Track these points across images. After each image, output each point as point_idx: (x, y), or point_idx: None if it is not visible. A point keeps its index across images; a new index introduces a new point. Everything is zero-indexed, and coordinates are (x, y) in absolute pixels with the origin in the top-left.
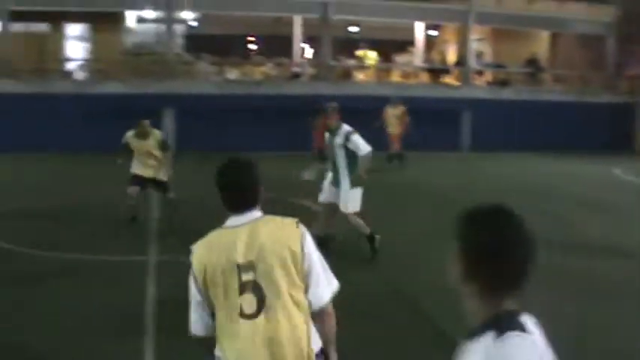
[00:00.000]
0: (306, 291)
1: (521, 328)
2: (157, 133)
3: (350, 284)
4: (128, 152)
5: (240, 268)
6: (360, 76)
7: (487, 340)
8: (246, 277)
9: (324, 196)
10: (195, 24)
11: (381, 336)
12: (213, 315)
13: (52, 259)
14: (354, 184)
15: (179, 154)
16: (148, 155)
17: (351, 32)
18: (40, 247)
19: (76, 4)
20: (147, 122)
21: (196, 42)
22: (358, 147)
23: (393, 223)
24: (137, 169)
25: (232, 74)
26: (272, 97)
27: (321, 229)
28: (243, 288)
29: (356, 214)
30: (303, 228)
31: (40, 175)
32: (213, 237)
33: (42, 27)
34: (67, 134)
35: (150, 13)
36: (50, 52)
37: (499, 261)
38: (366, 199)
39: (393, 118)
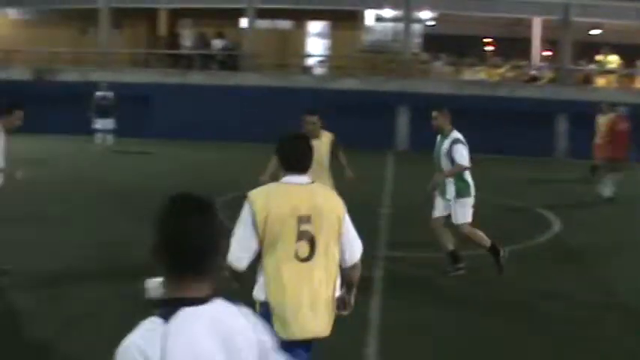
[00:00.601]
0: (341, 249)
1: (164, 317)
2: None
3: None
4: None
5: (301, 220)
6: (600, 81)
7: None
8: (304, 227)
9: (435, 212)
10: (432, 23)
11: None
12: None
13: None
14: (460, 193)
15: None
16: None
17: (592, 35)
18: None
19: (319, 2)
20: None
21: (433, 41)
22: (455, 158)
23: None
24: None
25: (469, 74)
26: (508, 100)
27: (448, 244)
28: (300, 236)
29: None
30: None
31: None
32: (273, 189)
33: (285, 24)
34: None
35: (388, 12)
36: (292, 48)
37: (172, 250)
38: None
39: (603, 126)
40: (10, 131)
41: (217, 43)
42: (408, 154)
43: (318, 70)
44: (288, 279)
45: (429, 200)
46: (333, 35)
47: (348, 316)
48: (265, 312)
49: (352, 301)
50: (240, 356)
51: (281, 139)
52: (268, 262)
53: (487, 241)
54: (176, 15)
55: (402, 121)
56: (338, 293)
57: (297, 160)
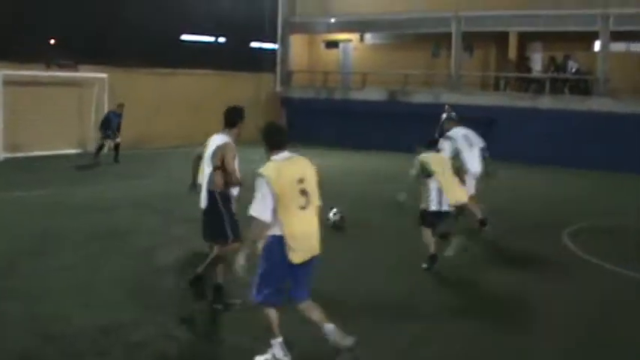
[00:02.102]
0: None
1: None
2: None
3: None
4: None
5: (299, 181)
6: None
7: None
8: (301, 186)
9: None
10: None
11: None
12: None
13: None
14: None
15: None
16: None
17: None
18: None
19: None
20: None
21: None
22: None
23: None
24: None
25: None
26: None
27: None
28: (301, 192)
29: None
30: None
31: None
32: (277, 164)
33: None
34: None
35: None
36: None
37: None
38: None
39: None
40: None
41: (569, 67)
42: None
43: None
44: (302, 221)
45: None
46: None
47: None
48: (278, 242)
49: None
50: None
51: (263, 128)
52: (284, 214)
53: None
54: (526, 38)
55: None
56: None
57: (278, 141)
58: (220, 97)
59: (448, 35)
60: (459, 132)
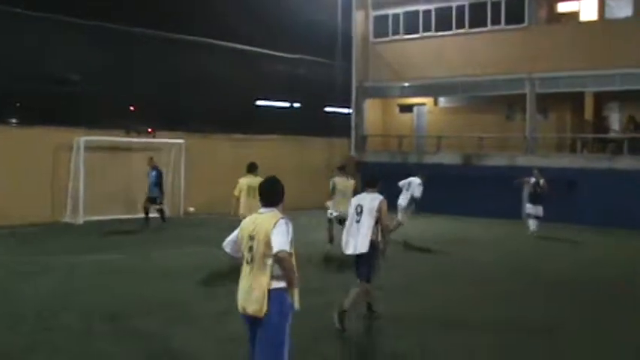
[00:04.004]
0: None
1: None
2: None
3: None
4: None
5: (249, 238)
6: None
7: None
8: (250, 243)
9: None
10: None
11: None
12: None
13: None
14: None
15: None
16: None
17: None
18: None
19: None
20: None
21: None
22: None
23: None
24: None
25: None
26: None
27: None
28: (249, 248)
29: None
30: (281, 220)
31: None
32: (249, 218)
33: None
34: None
35: None
36: None
37: None
38: None
39: None
40: None
41: None
42: None
43: None
44: (242, 273)
45: None
46: None
47: None
48: None
49: None
50: None
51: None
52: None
53: None
54: (602, 98)
55: None
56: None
57: (261, 197)
58: (293, 161)
59: (522, 97)
60: None
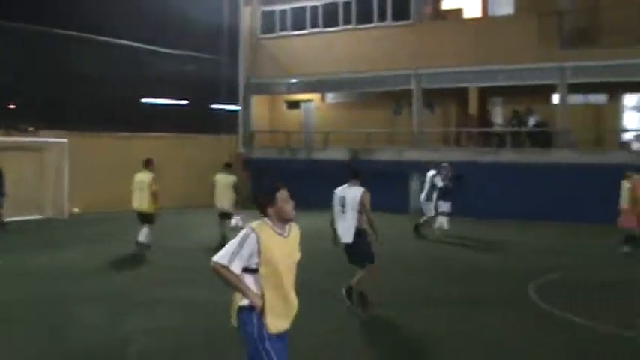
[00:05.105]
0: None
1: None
2: None
3: None
4: None
5: None
6: None
7: None
8: None
9: None
10: None
11: None
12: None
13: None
14: None
15: None
16: None
17: None
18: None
19: (635, 73)
20: None
21: None
22: None
23: None
24: None
25: None
26: None
27: None
28: None
29: None
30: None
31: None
32: None
33: (599, 98)
34: None
35: None
36: (607, 123)
37: None
38: None
39: (626, 191)
40: None
41: (529, 120)
42: None
43: (636, 146)
44: None
45: None
46: None
47: None
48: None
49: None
50: None
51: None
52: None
53: None
54: (486, 93)
55: None
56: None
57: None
58: (180, 159)
59: (409, 92)
60: None
